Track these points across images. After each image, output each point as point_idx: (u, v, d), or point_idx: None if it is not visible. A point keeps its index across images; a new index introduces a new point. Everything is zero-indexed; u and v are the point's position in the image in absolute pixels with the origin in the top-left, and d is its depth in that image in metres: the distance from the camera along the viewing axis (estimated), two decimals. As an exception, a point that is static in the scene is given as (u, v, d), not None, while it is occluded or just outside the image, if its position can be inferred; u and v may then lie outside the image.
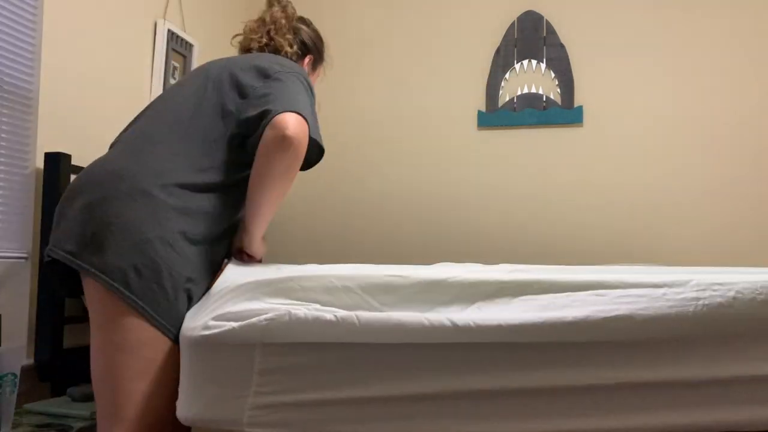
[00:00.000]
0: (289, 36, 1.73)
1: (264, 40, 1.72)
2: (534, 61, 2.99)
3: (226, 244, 1.47)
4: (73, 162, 2.06)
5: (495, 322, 1.14)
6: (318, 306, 1.19)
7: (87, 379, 1.86)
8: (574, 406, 1.15)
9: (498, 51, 3.03)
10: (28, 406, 1.65)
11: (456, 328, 1.13)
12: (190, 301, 1.33)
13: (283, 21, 1.74)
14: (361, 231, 3.13)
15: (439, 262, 3.06)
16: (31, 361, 1.88)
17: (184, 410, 1.18)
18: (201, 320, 1.20)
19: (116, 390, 1.25)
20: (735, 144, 2.77)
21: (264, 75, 1.48)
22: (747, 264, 2.53)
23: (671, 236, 2.80)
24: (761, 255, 2.62)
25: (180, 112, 1.45)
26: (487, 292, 1.25)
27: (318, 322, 1.13)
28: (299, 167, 1.42)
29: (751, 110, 2.75)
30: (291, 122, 1.35)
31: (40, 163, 1.96)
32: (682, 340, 1.17)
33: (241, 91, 1.46)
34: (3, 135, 1.87)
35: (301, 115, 1.38)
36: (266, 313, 1.15)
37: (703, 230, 2.76)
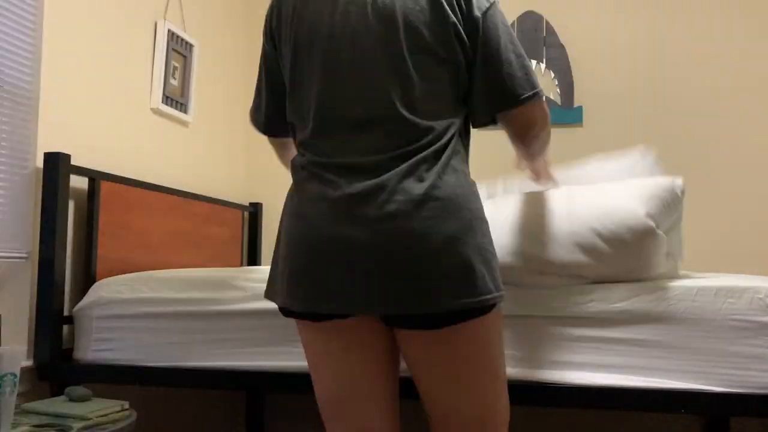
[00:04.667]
0: None
1: None
2: (534, 62, 2.99)
3: None
4: (73, 162, 2.06)
5: None
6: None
7: (86, 379, 1.88)
8: None
9: (498, 51, 3.03)
10: (27, 406, 1.65)
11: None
12: None
13: None
14: (361, 231, 3.13)
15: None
16: (30, 361, 1.89)
17: None
18: None
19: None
20: (735, 144, 2.77)
21: None
22: (749, 267, 2.53)
23: (671, 236, 2.80)
24: (764, 257, 2.62)
25: None
26: None
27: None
28: None
29: (752, 110, 2.75)
30: None
31: (40, 163, 1.96)
32: None
33: None
34: (3, 135, 1.87)
35: None
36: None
37: (704, 231, 2.76)
